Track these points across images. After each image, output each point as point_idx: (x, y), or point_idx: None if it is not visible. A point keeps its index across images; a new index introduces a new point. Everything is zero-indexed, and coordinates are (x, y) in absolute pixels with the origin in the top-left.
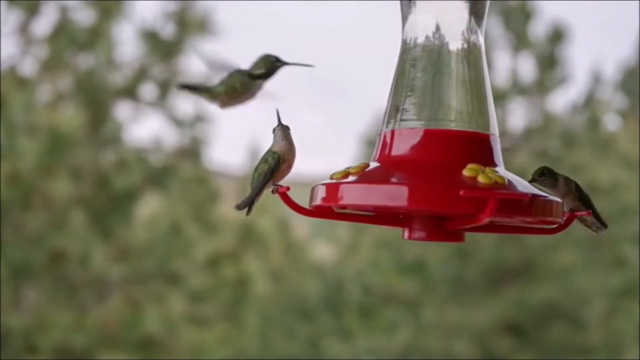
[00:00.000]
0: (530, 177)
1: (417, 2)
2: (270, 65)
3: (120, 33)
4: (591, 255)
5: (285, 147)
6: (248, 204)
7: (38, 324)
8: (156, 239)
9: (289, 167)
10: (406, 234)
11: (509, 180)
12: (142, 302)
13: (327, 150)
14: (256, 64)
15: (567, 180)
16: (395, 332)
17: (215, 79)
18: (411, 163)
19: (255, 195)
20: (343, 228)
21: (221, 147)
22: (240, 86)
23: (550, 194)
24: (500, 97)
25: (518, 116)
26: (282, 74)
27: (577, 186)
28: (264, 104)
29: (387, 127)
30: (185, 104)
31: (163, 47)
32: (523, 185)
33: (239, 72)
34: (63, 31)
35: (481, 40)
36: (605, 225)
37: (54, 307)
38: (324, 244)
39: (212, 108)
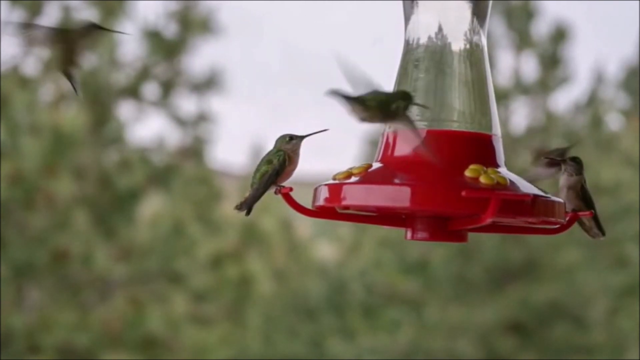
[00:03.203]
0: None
1: (420, 2)
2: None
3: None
4: (594, 255)
5: (293, 149)
6: (250, 205)
7: (41, 324)
8: (159, 238)
9: (293, 169)
10: (409, 234)
11: (511, 181)
12: (144, 302)
13: (329, 150)
14: (391, 94)
15: (583, 181)
16: (398, 332)
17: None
18: (414, 164)
19: (257, 197)
20: (346, 228)
21: (224, 146)
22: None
23: (550, 195)
24: (503, 97)
25: (521, 115)
26: (284, 73)
27: (583, 187)
28: (267, 105)
29: (389, 127)
30: (188, 104)
31: (165, 47)
32: (525, 186)
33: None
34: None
35: (483, 40)
36: (603, 232)
37: (56, 306)
38: (326, 243)
39: (214, 107)
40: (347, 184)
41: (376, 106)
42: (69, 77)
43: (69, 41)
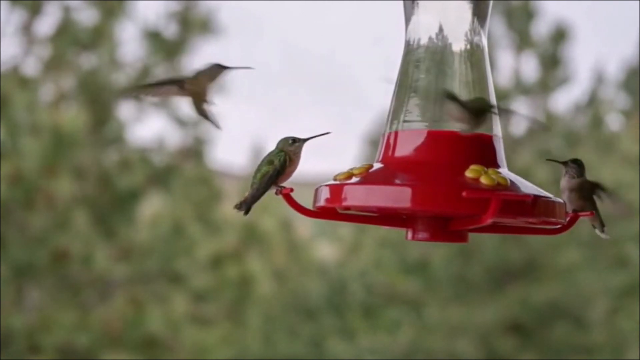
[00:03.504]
0: (535, 178)
1: (420, 2)
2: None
3: (123, 33)
4: (594, 255)
5: (294, 151)
6: (249, 205)
7: (41, 324)
8: (159, 238)
9: (293, 170)
10: (409, 234)
11: (511, 181)
12: (145, 302)
13: (330, 151)
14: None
15: (585, 183)
16: (398, 332)
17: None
18: (414, 164)
19: (257, 197)
20: (346, 228)
21: (224, 146)
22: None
23: (550, 196)
24: (503, 97)
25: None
26: (286, 74)
27: (585, 188)
28: (267, 105)
29: (390, 128)
30: (188, 104)
31: (166, 47)
32: (526, 186)
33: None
34: (66, 31)
35: (484, 41)
36: (603, 224)
37: (57, 306)
38: (326, 243)
39: (214, 107)
40: (348, 185)
41: (474, 114)
42: (205, 116)
43: (198, 85)
